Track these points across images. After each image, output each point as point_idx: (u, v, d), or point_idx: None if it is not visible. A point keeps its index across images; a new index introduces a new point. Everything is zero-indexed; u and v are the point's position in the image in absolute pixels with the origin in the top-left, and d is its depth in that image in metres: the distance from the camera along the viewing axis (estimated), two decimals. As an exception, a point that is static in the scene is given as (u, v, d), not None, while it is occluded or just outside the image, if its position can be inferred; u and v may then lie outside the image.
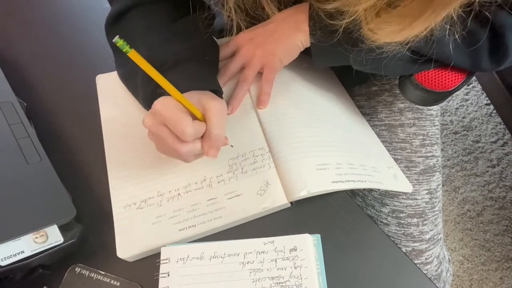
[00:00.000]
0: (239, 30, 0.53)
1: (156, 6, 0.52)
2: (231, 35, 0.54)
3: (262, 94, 0.54)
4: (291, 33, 0.51)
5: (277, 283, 0.41)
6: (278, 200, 0.46)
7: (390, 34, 0.39)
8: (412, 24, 0.37)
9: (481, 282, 1.13)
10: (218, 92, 0.49)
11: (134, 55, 0.36)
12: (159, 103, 0.40)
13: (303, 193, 0.45)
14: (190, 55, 0.49)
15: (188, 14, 0.53)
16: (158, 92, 0.44)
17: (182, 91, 0.43)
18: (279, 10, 0.52)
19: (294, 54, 0.53)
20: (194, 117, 0.42)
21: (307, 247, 0.43)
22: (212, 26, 0.55)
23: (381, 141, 0.60)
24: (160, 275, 0.42)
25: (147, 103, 0.47)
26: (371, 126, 0.62)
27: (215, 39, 0.56)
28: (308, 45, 0.51)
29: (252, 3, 0.48)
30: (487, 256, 1.16)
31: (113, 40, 0.33)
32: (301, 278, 0.41)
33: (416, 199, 0.60)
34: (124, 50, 0.34)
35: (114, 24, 0.52)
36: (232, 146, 0.49)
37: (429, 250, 0.58)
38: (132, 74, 0.50)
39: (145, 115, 0.42)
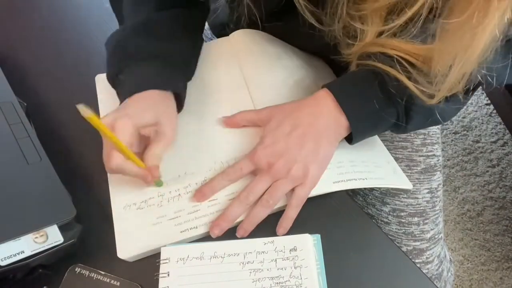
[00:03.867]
0: (251, 23, 0.51)
1: None
2: (236, 28, 0.54)
3: (285, 219, 0.45)
4: (330, 139, 0.46)
5: (277, 283, 0.41)
6: (278, 200, 0.46)
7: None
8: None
9: (481, 282, 1.13)
10: (180, 95, 0.49)
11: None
12: (120, 124, 0.41)
13: (303, 193, 0.45)
14: (160, 53, 0.48)
15: (179, 6, 0.52)
16: (119, 77, 0.47)
17: (143, 88, 0.45)
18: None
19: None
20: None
21: (307, 247, 0.43)
22: (203, 23, 0.55)
23: (382, 140, 0.60)
24: (160, 275, 0.42)
25: (109, 79, 0.49)
26: (371, 126, 0.62)
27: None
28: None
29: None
30: (487, 256, 1.16)
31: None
32: (301, 278, 0.41)
33: (417, 198, 0.60)
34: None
35: None
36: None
37: (430, 249, 0.58)
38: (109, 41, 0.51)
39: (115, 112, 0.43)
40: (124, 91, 0.47)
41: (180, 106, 0.50)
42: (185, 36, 0.52)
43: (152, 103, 0.45)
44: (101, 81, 0.56)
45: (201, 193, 0.46)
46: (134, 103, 0.45)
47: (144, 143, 0.46)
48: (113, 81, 0.49)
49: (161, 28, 0.50)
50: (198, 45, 0.56)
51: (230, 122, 0.52)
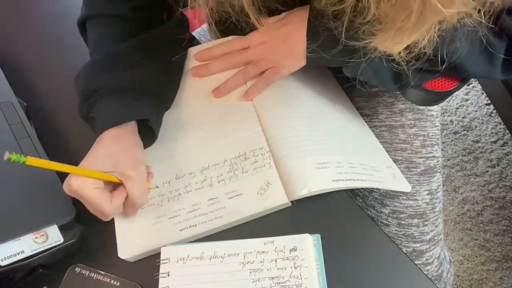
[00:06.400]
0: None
1: (111, 20, 0.51)
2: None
3: (252, 88, 0.53)
4: (305, 39, 0.49)
5: (277, 283, 0.41)
6: (278, 199, 0.46)
7: (384, 42, 0.39)
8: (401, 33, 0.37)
9: (481, 282, 1.13)
10: (149, 121, 0.47)
11: (32, 161, 0.36)
12: (76, 184, 0.40)
13: (304, 192, 0.45)
14: (125, 85, 0.47)
15: (152, 28, 0.51)
16: (91, 116, 0.46)
17: (106, 126, 0.44)
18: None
19: (305, 62, 0.51)
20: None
21: (307, 247, 0.43)
22: (181, 42, 0.54)
23: (382, 142, 0.60)
24: (160, 275, 0.42)
25: (83, 120, 0.48)
26: (371, 127, 0.62)
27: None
28: None
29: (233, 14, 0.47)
30: (487, 256, 1.16)
31: (5, 158, 0.33)
32: (301, 278, 0.41)
33: (417, 199, 0.60)
34: (21, 162, 0.35)
35: (81, 30, 0.54)
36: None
37: (430, 250, 0.58)
38: (76, 82, 0.50)
39: (66, 181, 0.41)
40: (96, 130, 0.46)
41: (152, 134, 0.49)
42: (154, 61, 0.50)
43: (109, 148, 0.44)
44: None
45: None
46: (92, 154, 0.44)
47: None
48: (87, 120, 0.48)
49: (123, 60, 0.49)
50: (176, 65, 0.54)
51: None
